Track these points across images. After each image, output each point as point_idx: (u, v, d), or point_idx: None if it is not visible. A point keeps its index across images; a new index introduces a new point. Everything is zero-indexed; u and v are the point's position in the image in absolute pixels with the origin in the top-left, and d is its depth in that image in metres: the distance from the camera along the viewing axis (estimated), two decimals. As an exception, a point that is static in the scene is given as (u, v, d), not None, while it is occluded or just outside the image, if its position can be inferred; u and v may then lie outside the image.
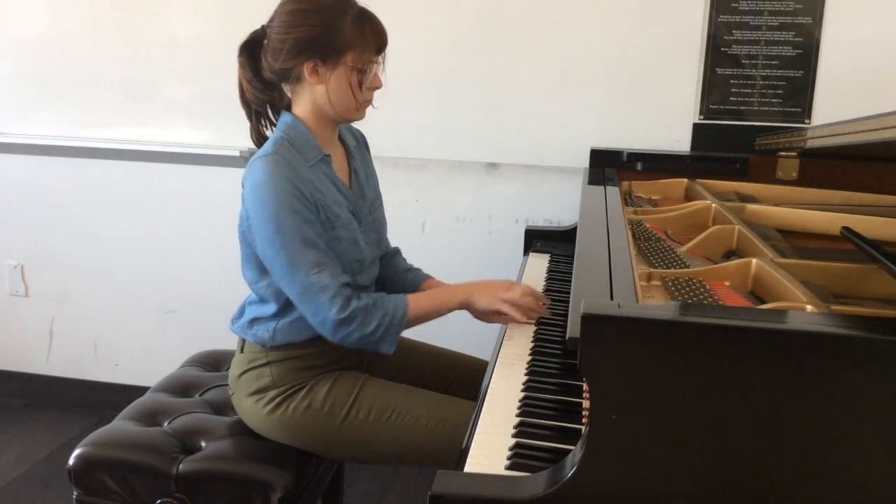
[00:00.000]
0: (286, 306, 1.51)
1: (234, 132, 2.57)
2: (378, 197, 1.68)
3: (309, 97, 1.48)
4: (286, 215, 1.40)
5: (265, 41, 1.48)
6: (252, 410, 1.55)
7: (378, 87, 1.51)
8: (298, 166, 1.44)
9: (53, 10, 2.63)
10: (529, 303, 1.53)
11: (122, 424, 1.62)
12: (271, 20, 1.47)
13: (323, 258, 1.43)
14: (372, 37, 1.45)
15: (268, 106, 1.54)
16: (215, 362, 1.93)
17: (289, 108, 1.52)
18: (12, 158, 2.78)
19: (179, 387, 1.79)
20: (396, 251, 1.79)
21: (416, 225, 2.52)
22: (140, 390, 1.84)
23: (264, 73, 1.49)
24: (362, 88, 1.47)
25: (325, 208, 1.46)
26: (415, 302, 1.50)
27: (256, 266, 1.51)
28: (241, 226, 1.49)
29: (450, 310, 1.54)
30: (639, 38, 2.28)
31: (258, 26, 1.53)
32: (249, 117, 1.56)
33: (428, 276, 1.75)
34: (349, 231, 1.51)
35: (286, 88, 1.51)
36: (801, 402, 0.87)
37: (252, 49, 1.50)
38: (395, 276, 1.74)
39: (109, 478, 1.50)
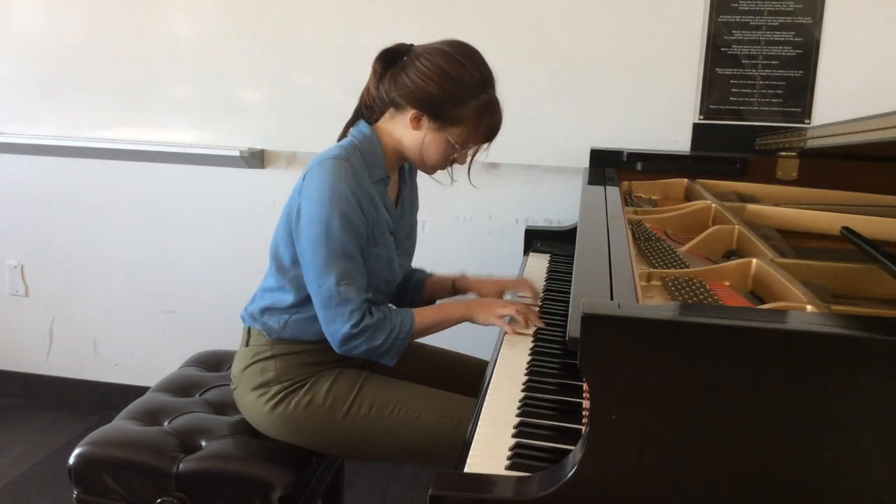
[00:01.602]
0: (303, 302, 1.53)
1: (234, 132, 2.57)
2: (415, 224, 1.73)
3: (399, 130, 1.52)
4: (337, 222, 1.43)
5: (402, 62, 1.50)
6: (254, 406, 1.56)
7: (461, 164, 1.56)
8: (363, 178, 1.48)
9: (53, 10, 2.63)
10: (523, 312, 1.56)
11: (122, 424, 1.62)
12: (420, 52, 1.48)
13: (355, 272, 1.47)
14: (485, 128, 1.50)
15: (373, 113, 1.56)
16: (215, 362, 1.93)
17: (372, 121, 1.55)
18: (12, 158, 2.78)
19: (179, 387, 1.79)
20: None
21: (417, 225, 2.51)
22: (140, 390, 1.84)
23: (382, 87, 1.51)
24: (450, 159, 1.53)
25: (373, 224, 1.50)
26: (419, 316, 1.54)
27: (292, 255, 1.53)
28: (290, 213, 1.51)
29: (451, 324, 1.58)
30: (639, 39, 2.28)
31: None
32: (355, 112, 1.59)
33: (429, 275, 1.81)
34: (388, 251, 1.55)
35: (388, 109, 1.54)
36: (801, 402, 0.87)
37: (388, 62, 1.52)
38: (402, 280, 1.76)
39: (110, 477, 1.50)
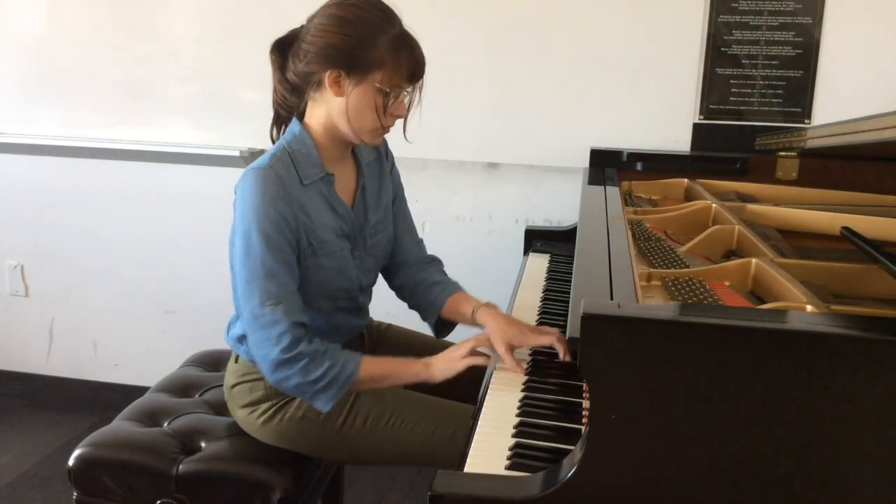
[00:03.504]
0: None
1: (234, 132, 2.57)
2: (386, 218, 1.60)
3: (325, 108, 1.42)
4: (257, 237, 1.35)
5: (297, 41, 1.42)
6: (246, 421, 1.54)
7: (401, 116, 1.43)
8: (290, 186, 1.38)
9: (53, 10, 2.63)
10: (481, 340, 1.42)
11: (122, 425, 1.62)
12: (310, 20, 1.41)
13: (281, 291, 1.36)
14: (406, 62, 1.37)
15: (292, 110, 1.48)
16: (215, 362, 1.93)
17: (302, 117, 1.47)
18: (12, 158, 2.78)
19: (179, 387, 1.79)
20: (432, 260, 1.70)
21: (417, 225, 2.49)
22: (140, 390, 1.84)
23: (288, 74, 1.43)
24: (385, 112, 1.40)
25: (309, 234, 1.41)
26: (369, 364, 1.41)
27: (235, 278, 1.45)
28: (231, 234, 1.44)
29: (404, 381, 1.44)
30: (639, 38, 2.28)
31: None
32: (275, 119, 1.52)
33: (455, 292, 1.60)
34: (335, 259, 1.46)
35: (307, 94, 1.44)
36: (801, 402, 0.87)
37: (284, 48, 1.44)
38: (420, 287, 1.64)
39: (109, 478, 1.50)
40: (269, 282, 1.35)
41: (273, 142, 1.51)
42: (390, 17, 1.39)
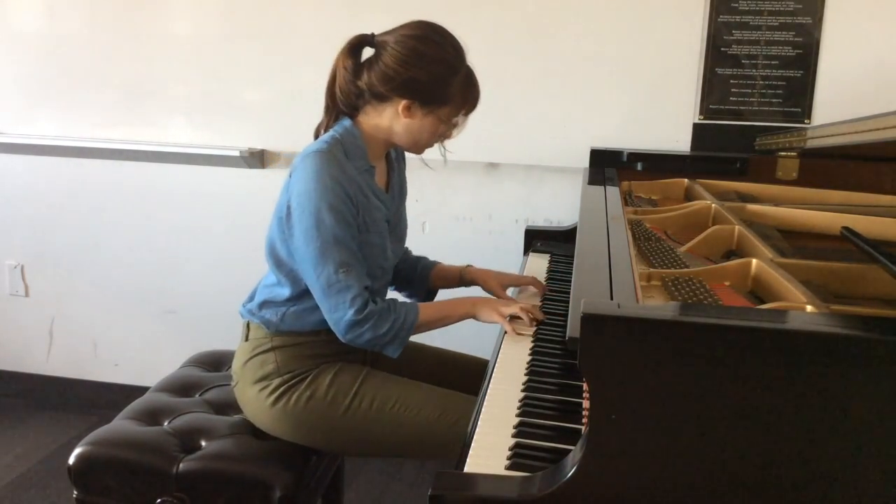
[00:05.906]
0: (300, 294, 1.54)
1: (234, 132, 2.57)
2: (405, 209, 1.73)
3: (386, 121, 1.53)
4: (327, 212, 1.44)
5: (374, 54, 1.50)
6: (255, 400, 1.56)
7: (450, 138, 1.59)
8: (347, 168, 1.49)
9: (53, 10, 2.63)
10: (527, 310, 1.57)
11: (122, 424, 1.62)
12: (386, 40, 1.49)
13: (351, 259, 1.47)
14: (471, 100, 1.53)
15: (353, 108, 1.55)
16: (215, 362, 1.93)
17: (352, 116, 1.55)
18: (12, 158, 2.78)
19: (179, 387, 1.79)
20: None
21: (417, 225, 2.52)
22: (140, 390, 1.84)
23: (360, 82, 1.51)
24: (440, 136, 1.56)
25: (365, 212, 1.51)
26: (423, 310, 1.55)
27: (287, 251, 1.53)
28: (280, 211, 1.52)
29: (455, 320, 1.59)
30: (639, 39, 2.28)
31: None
32: (328, 110, 1.58)
33: (435, 263, 1.83)
34: (381, 238, 1.56)
35: (369, 101, 1.53)
36: (801, 402, 0.87)
37: (357, 52, 1.53)
38: (405, 266, 1.81)
39: (110, 477, 1.50)
40: (341, 251, 1.46)
41: (320, 133, 1.58)
42: (461, 55, 1.52)
